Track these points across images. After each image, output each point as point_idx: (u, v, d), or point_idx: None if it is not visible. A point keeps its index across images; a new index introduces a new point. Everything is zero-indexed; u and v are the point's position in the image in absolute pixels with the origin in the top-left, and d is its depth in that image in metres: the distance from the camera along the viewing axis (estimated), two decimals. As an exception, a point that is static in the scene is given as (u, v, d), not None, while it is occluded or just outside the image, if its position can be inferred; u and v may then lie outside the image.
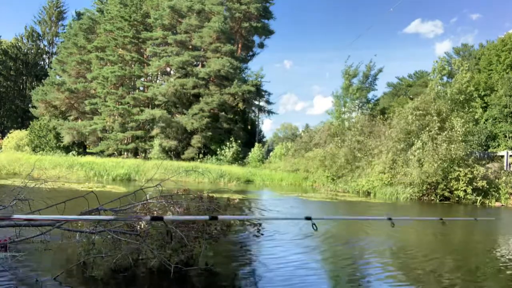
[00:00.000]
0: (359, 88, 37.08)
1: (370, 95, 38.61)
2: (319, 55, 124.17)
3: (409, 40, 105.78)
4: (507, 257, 7.50)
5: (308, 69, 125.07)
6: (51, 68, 50.95)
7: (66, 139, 38.58)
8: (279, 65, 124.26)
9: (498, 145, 30.80)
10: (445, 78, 30.74)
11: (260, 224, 6.09)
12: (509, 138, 30.41)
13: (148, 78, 43.52)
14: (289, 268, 5.91)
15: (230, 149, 35.12)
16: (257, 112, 46.43)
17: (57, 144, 38.75)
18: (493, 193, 19.20)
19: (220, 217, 4.48)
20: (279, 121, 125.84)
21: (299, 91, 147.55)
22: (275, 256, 6.46)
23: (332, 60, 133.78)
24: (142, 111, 38.55)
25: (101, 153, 38.14)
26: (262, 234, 6.36)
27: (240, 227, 7.35)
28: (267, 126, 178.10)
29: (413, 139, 20.81)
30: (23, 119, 52.85)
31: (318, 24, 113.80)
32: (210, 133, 36.67)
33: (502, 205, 18.61)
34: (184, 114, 37.43)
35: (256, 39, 45.15)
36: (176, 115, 38.62)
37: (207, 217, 4.25)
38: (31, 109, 45.84)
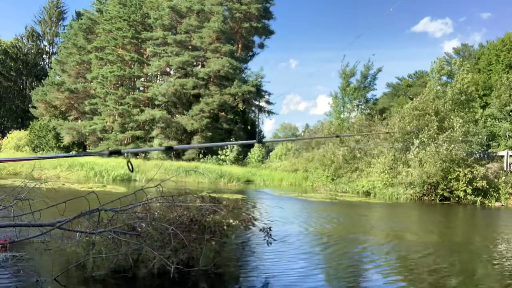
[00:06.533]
0: (357, 88, 37.07)
1: (369, 95, 38.62)
2: (323, 54, 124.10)
3: (415, 39, 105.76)
4: (507, 256, 7.50)
5: (312, 69, 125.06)
6: (51, 68, 51.00)
7: (66, 139, 38.58)
8: (284, 64, 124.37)
9: (498, 145, 30.80)
10: (444, 78, 30.74)
11: (270, 228, 6.00)
12: (509, 138, 30.38)
13: (148, 78, 43.52)
14: (290, 271, 5.91)
15: (232, 150, 35.11)
16: (257, 113, 46.46)
17: (57, 144, 38.76)
18: (493, 193, 19.19)
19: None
20: (281, 121, 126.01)
21: (302, 91, 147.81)
22: (277, 259, 6.44)
23: (336, 60, 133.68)
24: (142, 111, 38.55)
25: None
26: (274, 240, 6.09)
27: (246, 231, 7.31)
28: (269, 127, 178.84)
29: (412, 139, 20.83)
30: (23, 119, 52.88)
31: (322, 24, 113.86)
32: (210, 134, 36.66)
33: (502, 205, 18.61)
34: (184, 114, 37.43)
35: (257, 39, 45.21)
36: (176, 115, 38.62)
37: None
38: (31, 109, 45.86)
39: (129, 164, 3.07)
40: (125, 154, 3.46)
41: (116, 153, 3.43)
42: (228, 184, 23.36)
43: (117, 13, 40.55)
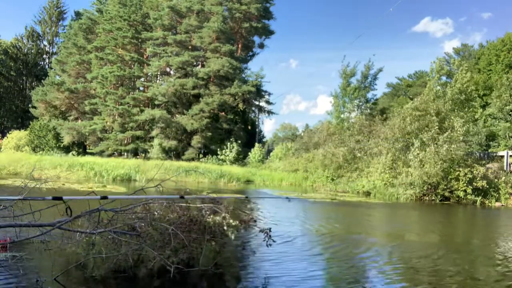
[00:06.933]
0: (357, 88, 37.14)
1: (369, 95, 38.71)
2: (323, 54, 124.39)
3: (416, 39, 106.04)
4: (507, 256, 7.50)
5: (312, 69, 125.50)
6: (51, 68, 51.00)
7: (66, 139, 38.57)
8: (284, 64, 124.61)
9: (498, 145, 30.81)
10: (444, 78, 30.80)
11: (269, 229, 5.99)
12: (509, 138, 30.38)
13: (148, 78, 43.51)
14: (290, 271, 5.91)
15: (231, 150, 35.14)
16: (257, 113, 46.47)
17: (57, 144, 38.76)
18: (493, 193, 19.19)
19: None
20: (281, 121, 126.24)
21: (302, 91, 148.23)
22: (277, 260, 6.43)
23: (336, 60, 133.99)
24: (142, 111, 38.54)
25: (101, 153, 38.14)
26: (274, 241, 6.04)
27: (246, 231, 7.30)
28: (269, 127, 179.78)
29: (413, 139, 20.83)
30: (23, 119, 52.89)
31: (322, 24, 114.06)
32: (210, 134, 36.66)
33: (502, 205, 18.61)
34: (184, 114, 37.43)
35: (257, 39, 45.21)
36: (176, 115, 38.63)
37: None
38: (31, 109, 45.85)
39: (68, 209, 3.69)
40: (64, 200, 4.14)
41: (58, 199, 4.09)
42: (228, 184, 23.36)
43: (117, 13, 40.55)
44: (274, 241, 5.95)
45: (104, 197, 4.31)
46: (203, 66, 39.40)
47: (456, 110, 23.21)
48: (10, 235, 5.77)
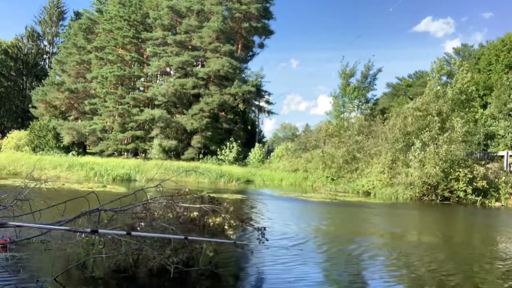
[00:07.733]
0: (357, 87, 37.18)
1: (369, 95, 38.75)
2: (323, 54, 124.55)
3: (417, 39, 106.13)
4: (507, 256, 7.51)
5: (312, 69, 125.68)
6: (51, 68, 50.98)
7: (66, 139, 38.56)
8: (284, 64, 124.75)
9: (498, 145, 30.79)
10: (444, 78, 30.82)
11: (264, 228, 6.01)
12: (508, 133, 30.27)
13: (148, 78, 43.50)
14: (289, 271, 5.91)
15: (231, 150, 35.14)
16: (257, 113, 46.45)
17: (57, 144, 38.74)
18: (493, 193, 19.19)
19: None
20: (281, 121, 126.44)
21: (303, 91, 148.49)
22: (277, 260, 6.44)
23: (336, 60, 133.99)
24: (141, 111, 38.52)
25: (101, 153, 38.13)
26: (266, 240, 6.06)
27: (246, 231, 7.30)
28: (269, 127, 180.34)
29: (413, 139, 20.82)
30: (23, 119, 52.86)
31: (322, 24, 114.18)
32: (210, 133, 36.65)
33: (502, 205, 18.61)
34: (184, 114, 37.42)
35: (257, 39, 45.18)
36: (176, 115, 38.61)
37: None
38: (31, 109, 45.84)
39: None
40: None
41: (94, 232, 4.17)
42: (228, 184, 23.36)
43: (117, 13, 40.54)
44: (267, 239, 5.98)
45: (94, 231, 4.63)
46: (203, 66, 39.38)
47: (456, 110, 23.21)
48: (10, 235, 5.77)
